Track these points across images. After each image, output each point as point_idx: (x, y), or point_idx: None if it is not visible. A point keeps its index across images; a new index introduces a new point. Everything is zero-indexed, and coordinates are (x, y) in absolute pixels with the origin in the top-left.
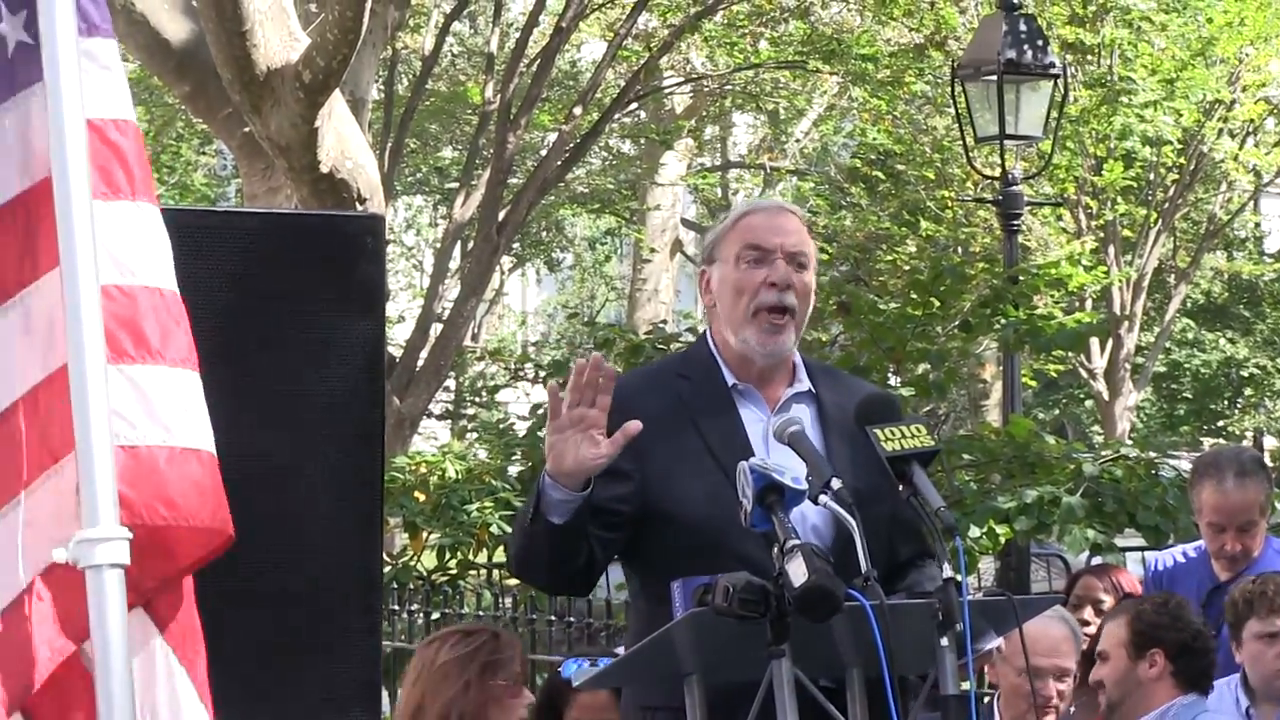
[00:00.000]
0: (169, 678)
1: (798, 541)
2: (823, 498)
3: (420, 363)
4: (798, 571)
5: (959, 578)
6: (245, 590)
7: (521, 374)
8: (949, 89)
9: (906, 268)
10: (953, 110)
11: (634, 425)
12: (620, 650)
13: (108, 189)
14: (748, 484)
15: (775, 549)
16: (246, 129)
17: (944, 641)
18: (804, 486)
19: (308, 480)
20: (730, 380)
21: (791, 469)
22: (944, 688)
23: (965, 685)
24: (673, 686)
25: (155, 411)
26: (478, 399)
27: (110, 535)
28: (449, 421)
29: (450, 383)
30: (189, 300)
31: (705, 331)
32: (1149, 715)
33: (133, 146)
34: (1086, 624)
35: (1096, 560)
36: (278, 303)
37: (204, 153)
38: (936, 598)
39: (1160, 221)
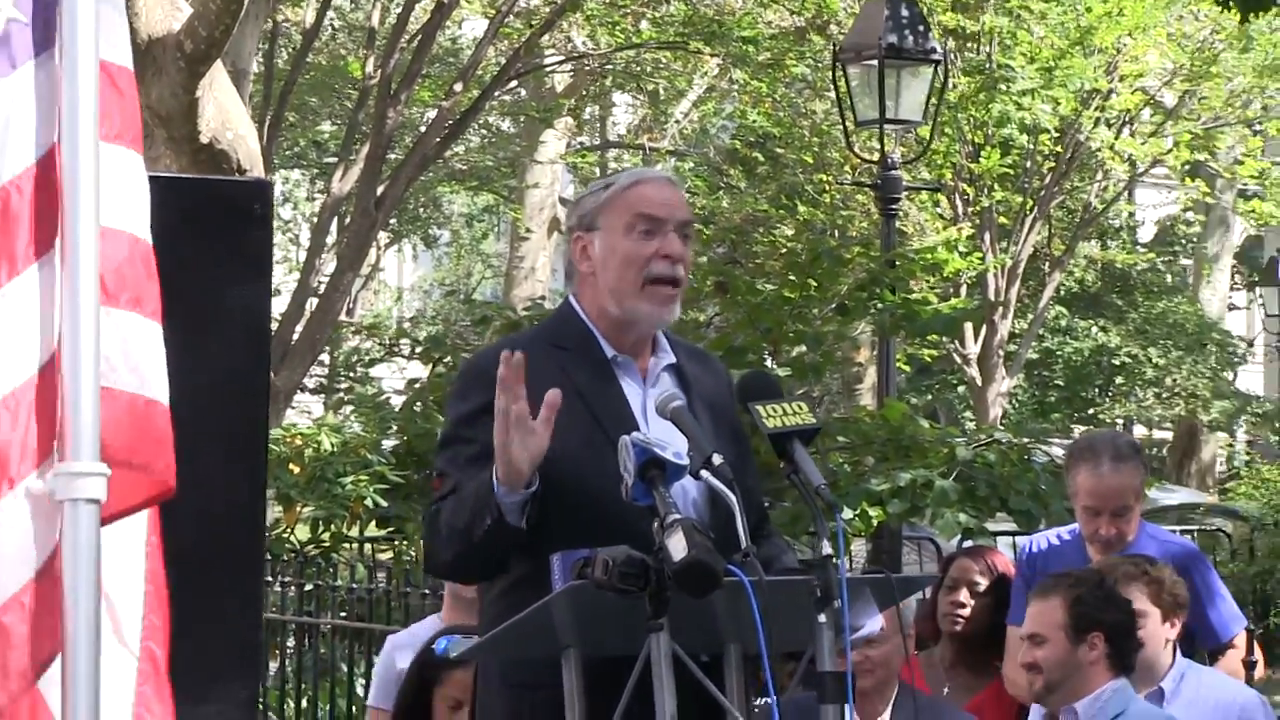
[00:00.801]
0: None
1: (678, 516)
2: (704, 473)
3: (295, 337)
4: (677, 546)
5: (836, 556)
6: None
7: (396, 350)
8: (829, 73)
9: (784, 250)
10: (832, 94)
11: (554, 395)
12: None
13: (107, 131)
14: (629, 458)
15: (655, 524)
16: None
17: (822, 618)
18: (685, 461)
19: (192, 446)
20: (610, 352)
21: (672, 444)
22: (821, 664)
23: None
24: (549, 662)
25: (132, 359)
26: (352, 374)
27: (90, 470)
28: (323, 396)
29: (325, 357)
30: None
31: (569, 300)
32: (1082, 701)
33: (130, 92)
34: (962, 605)
35: (969, 544)
36: (164, 267)
37: None
38: (815, 574)
39: (1036, 209)
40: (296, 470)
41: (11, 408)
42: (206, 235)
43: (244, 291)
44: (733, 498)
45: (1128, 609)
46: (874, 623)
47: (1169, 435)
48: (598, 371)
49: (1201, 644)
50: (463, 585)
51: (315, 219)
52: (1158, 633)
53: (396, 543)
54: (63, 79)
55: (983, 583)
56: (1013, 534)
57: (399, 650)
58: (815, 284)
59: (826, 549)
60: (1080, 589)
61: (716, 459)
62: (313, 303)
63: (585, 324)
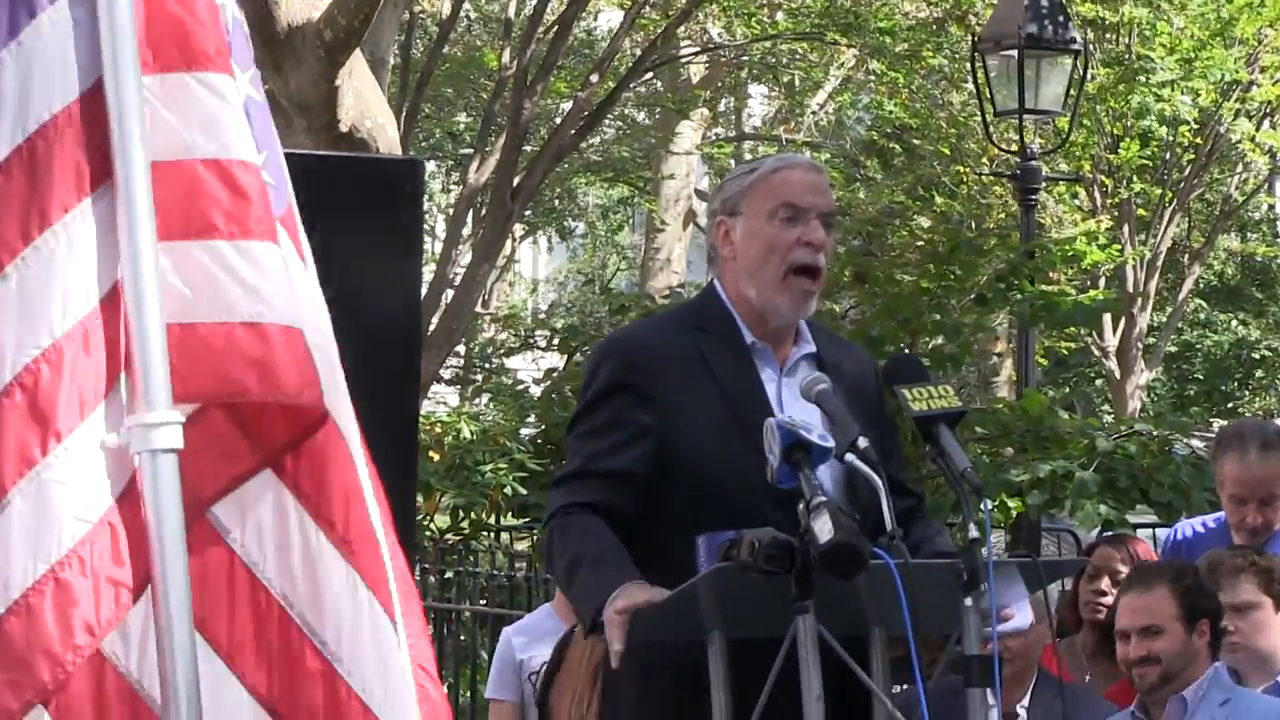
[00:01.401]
0: (301, 533)
1: (824, 499)
2: (849, 455)
3: (432, 328)
4: (824, 528)
5: (983, 540)
6: None
7: (532, 341)
8: (966, 64)
9: (920, 243)
10: (969, 86)
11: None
12: None
13: (166, 61)
14: (775, 440)
15: (801, 505)
16: (266, 87)
17: (968, 602)
18: (831, 444)
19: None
20: (749, 338)
21: (817, 427)
22: (967, 648)
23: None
24: (681, 644)
25: (249, 285)
26: (488, 365)
27: (164, 420)
28: (459, 387)
29: (460, 349)
30: None
31: (713, 282)
32: (1190, 688)
33: (204, 17)
34: (1103, 594)
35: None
36: (316, 245)
37: None
38: (961, 559)
39: (1175, 201)
40: (436, 458)
41: (59, 353)
42: (359, 213)
43: (396, 267)
44: (879, 480)
45: (1217, 595)
46: (1024, 616)
47: None
48: (736, 357)
49: None
50: None
51: (451, 210)
52: (1272, 622)
53: (535, 531)
54: (101, 12)
55: (1124, 571)
56: (1153, 525)
57: (516, 639)
58: (953, 274)
59: (973, 533)
60: (1186, 579)
61: (862, 442)
62: (449, 294)
63: (727, 307)
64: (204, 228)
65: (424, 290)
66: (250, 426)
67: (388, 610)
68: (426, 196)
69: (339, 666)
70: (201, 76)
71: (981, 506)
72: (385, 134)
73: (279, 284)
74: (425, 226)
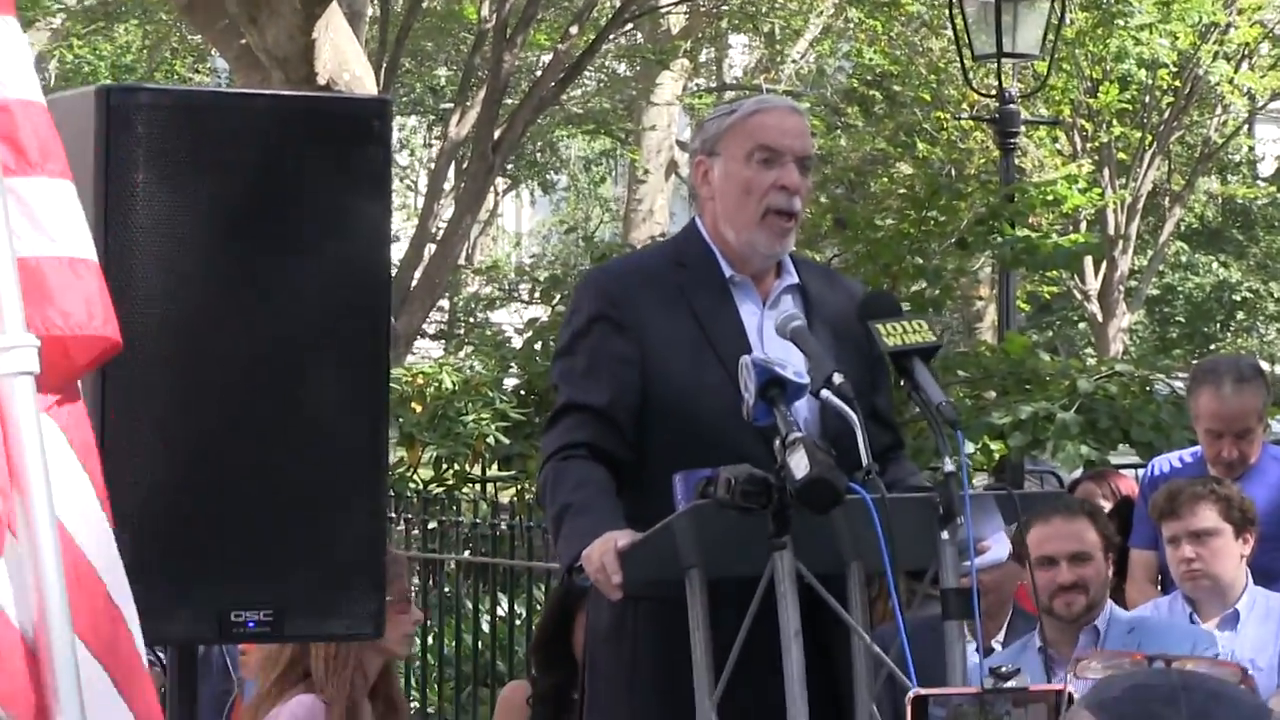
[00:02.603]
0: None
1: (800, 434)
2: (824, 392)
3: (414, 282)
4: (800, 464)
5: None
6: (254, 460)
7: (516, 294)
8: (945, 10)
9: (902, 191)
10: (949, 32)
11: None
12: None
13: None
14: (750, 378)
15: (777, 441)
16: (243, 40)
17: (944, 535)
18: (806, 380)
19: (317, 357)
20: (729, 273)
21: (792, 363)
22: (944, 581)
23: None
24: (663, 578)
25: (40, 223)
26: (472, 319)
27: (18, 343)
28: (443, 341)
29: (444, 303)
30: (197, 180)
31: (694, 220)
32: (1099, 618)
33: None
34: None
35: None
36: (284, 183)
37: (198, 70)
38: (937, 491)
39: (1155, 144)
40: (419, 409)
41: None
42: (326, 151)
43: (365, 205)
44: (854, 416)
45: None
46: (1001, 548)
47: None
48: (715, 292)
49: None
50: None
51: (432, 165)
52: (1231, 549)
53: (520, 481)
54: None
55: (1106, 506)
56: (1135, 466)
57: None
58: (934, 218)
59: (949, 466)
60: (1096, 511)
61: (837, 378)
62: (431, 248)
63: (707, 244)
64: (19, 165)
65: (404, 242)
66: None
67: None
68: (409, 151)
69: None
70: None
71: (956, 438)
72: (363, 87)
73: (78, 220)
74: (408, 182)
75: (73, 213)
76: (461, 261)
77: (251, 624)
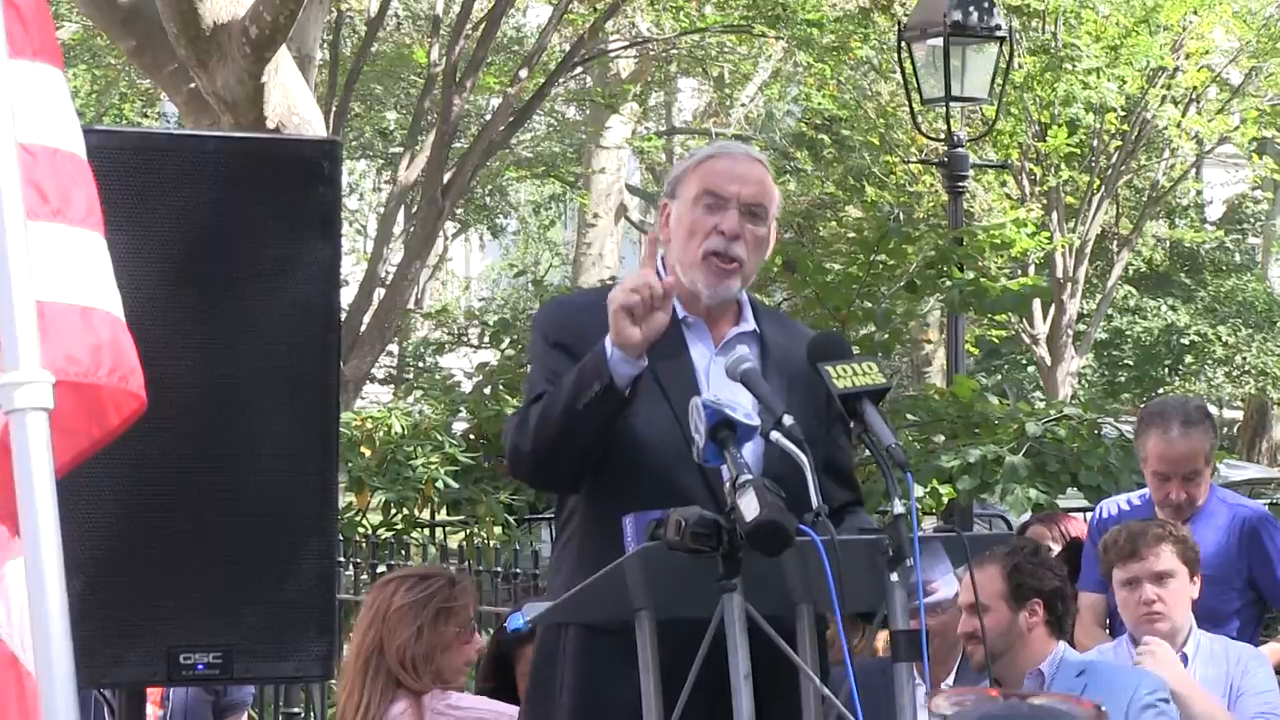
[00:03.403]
0: None
1: (750, 476)
2: (774, 434)
3: (364, 327)
4: (750, 506)
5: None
6: (203, 500)
7: (465, 338)
8: (894, 54)
9: (851, 235)
10: (898, 76)
11: (670, 282)
12: None
13: (18, 48)
14: (700, 419)
15: (728, 484)
16: (192, 85)
17: (894, 577)
18: (756, 422)
19: (267, 398)
20: (681, 313)
21: (742, 405)
22: (893, 623)
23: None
24: (613, 619)
25: (57, 269)
26: (421, 363)
27: (33, 379)
28: (392, 386)
29: (394, 348)
30: (147, 221)
31: (661, 261)
32: (1045, 662)
33: (40, 8)
34: None
35: None
36: (235, 224)
37: (147, 115)
38: (887, 533)
39: (1103, 188)
40: (368, 454)
41: None
42: (276, 193)
43: (314, 246)
44: (804, 457)
45: (1062, 575)
46: (949, 588)
47: (1239, 414)
48: (667, 332)
49: (1274, 605)
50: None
51: (382, 209)
52: (1185, 591)
53: (470, 527)
54: None
55: (1056, 549)
56: (1084, 510)
57: None
58: (883, 262)
59: (898, 508)
60: (1014, 557)
61: (787, 420)
62: (380, 292)
63: None
64: (41, 210)
65: (353, 286)
66: (89, 406)
67: None
68: (358, 195)
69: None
70: (43, 66)
71: (906, 481)
72: (313, 130)
73: (107, 273)
74: (358, 226)
75: (91, 262)
76: (411, 306)
77: (200, 665)
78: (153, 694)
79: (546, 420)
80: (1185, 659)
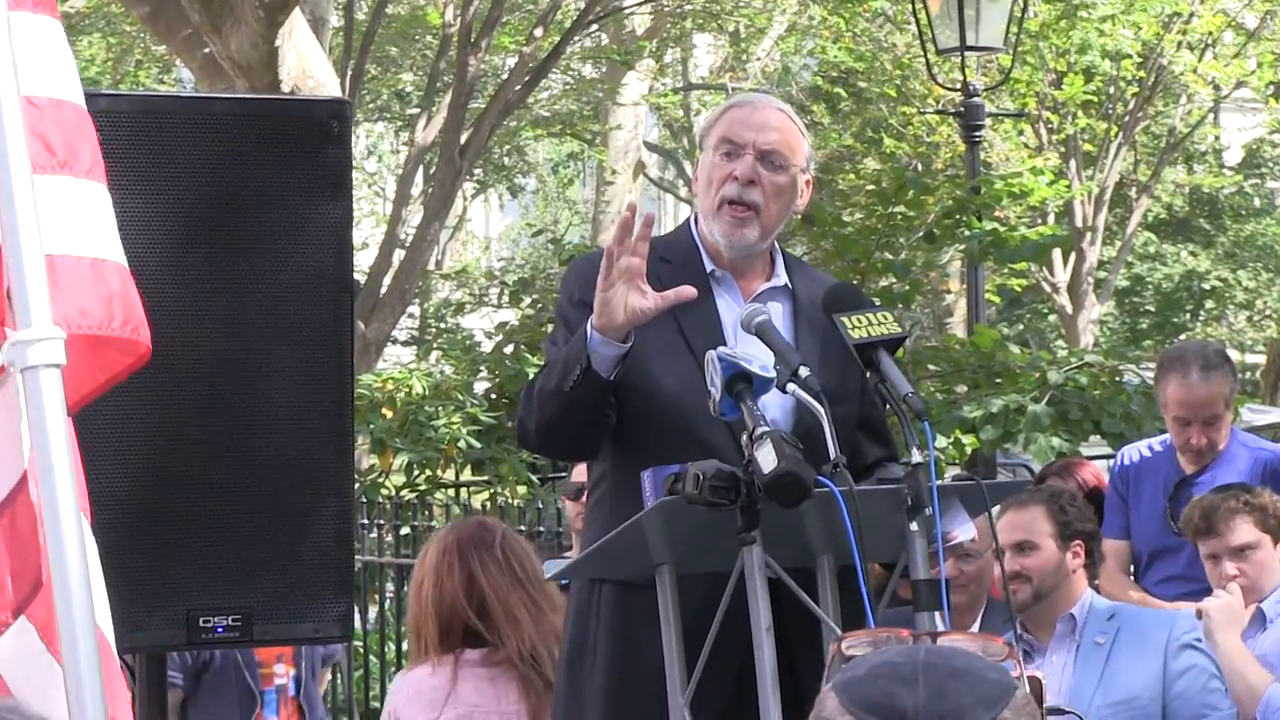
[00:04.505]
0: None
1: (767, 428)
2: (790, 385)
3: (384, 289)
4: (767, 458)
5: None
6: (218, 464)
7: (485, 298)
8: (909, 5)
9: (869, 187)
10: (913, 27)
11: (688, 290)
12: None
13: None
14: (716, 372)
15: (745, 436)
16: (206, 49)
17: (914, 526)
18: (772, 374)
19: (281, 359)
20: (709, 266)
21: (760, 358)
22: (914, 572)
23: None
24: (634, 575)
25: (66, 221)
26: (442, 324)
27: (45, 335)
28: (414, 347)
29: (415, 309)
30: (158, 184)
31: (690, 217)
32: (1075, 606)
33: None
34: None
35: None
36: (245, 186)
37: (163, 81)
38: (905, 483)
39: (1121, 135)
40: (390, 415)
41: None
42: (286, 154)
43: (325, 207)
44: (820, 409)
45: (1095, 520)
46: (967, 529)
47: (1261, 358)
48: (694, 286)
49: None
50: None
51: (400, 171)
52: (1269, 559)
53: (493, 486)
54: None
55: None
56: (1107, 457)
57: None
58: (901, 213)
59: (916, 457)
60: (1061, 500)
61: (803, 371)
62: (400, 254)
63: (693, 238)
64: (48, 163)
65: (373, 248)
66: (98, 355)
67: None
68: (376, 157)
69: None
70: (42, 18)
71: (924, 429)
72: (327, 93)
73: (111, 224)
74: (376, 188)
75: (98, 214)
76: (431, 267)
77: (220, 629)
78: (285, 654)
79: (543, 398)
80: (1263, 615)
